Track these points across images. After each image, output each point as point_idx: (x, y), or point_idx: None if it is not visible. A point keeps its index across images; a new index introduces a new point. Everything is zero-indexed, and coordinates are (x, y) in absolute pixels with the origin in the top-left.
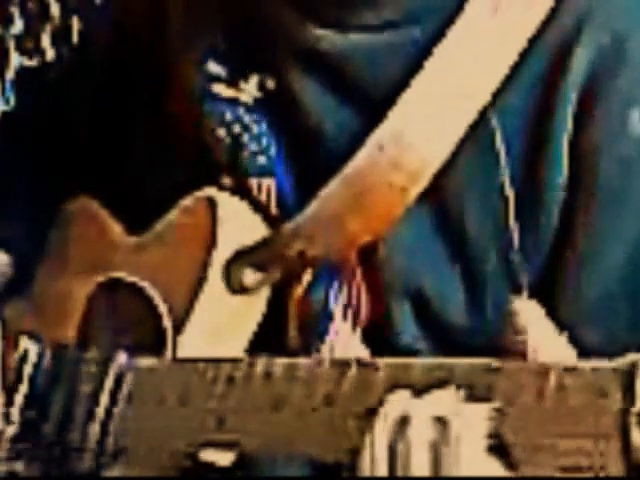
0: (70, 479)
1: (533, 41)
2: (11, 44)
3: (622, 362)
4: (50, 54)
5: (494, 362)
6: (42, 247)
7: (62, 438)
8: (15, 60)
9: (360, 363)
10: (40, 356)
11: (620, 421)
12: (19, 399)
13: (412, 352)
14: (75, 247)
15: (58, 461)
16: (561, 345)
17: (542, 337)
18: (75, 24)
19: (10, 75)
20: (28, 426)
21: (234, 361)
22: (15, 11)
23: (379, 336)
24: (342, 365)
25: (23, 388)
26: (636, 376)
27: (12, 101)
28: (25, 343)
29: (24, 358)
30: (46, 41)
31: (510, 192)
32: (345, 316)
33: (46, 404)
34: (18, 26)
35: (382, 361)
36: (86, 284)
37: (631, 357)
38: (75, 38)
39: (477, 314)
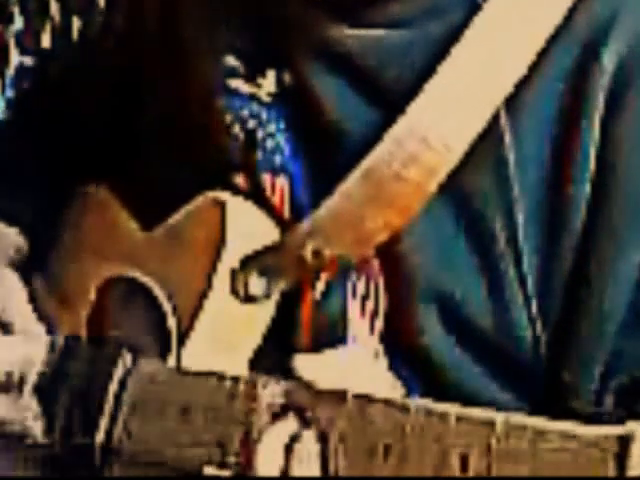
0: (70, 479)
1: (561, 34)
2: (11, 42)
3: (617, 430)
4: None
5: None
6: (58, 231)
7: (67, 434)
8: (15, 58)
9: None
10: (52, 347)
11: None
12: (28, 389)
13: (436, 354)
14: (91, 237)
15: (62, 457)
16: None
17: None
18: (75, 22)
19: (10, 73)
20: (35, 418)
21: (236, 378)
22: (15, 9)
23: (399, 338)
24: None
25: (32, 379)
26: (631, 446)
27: (12, 99)
28: (37, 328)
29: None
30: (46, 39)
31: (518, 190)
32: (362, 318)
33: (54, 396)
34: (18, 24)
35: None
36: (97, 275)
37: (629, 426)
38: (75, 36)
39: (502, 315)
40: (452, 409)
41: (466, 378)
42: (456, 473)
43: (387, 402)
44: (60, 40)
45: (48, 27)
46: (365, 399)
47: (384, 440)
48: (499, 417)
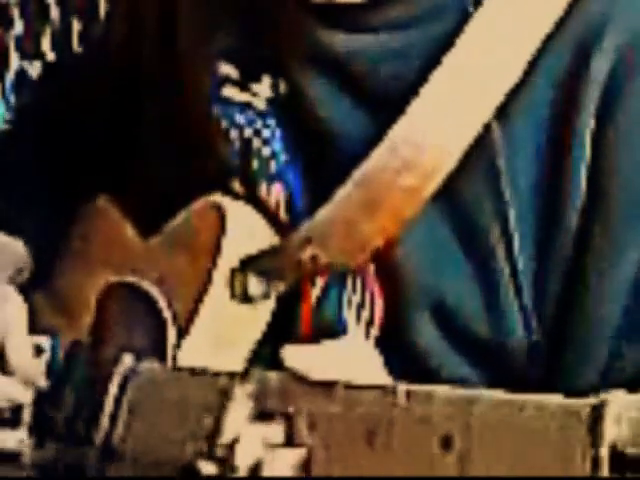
0: (70, 479)
1: (553, 39)
2: (11, 46)
3: (588, 401)
4: (50, 56)
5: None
6: (61, 242)
7: (70, 437)
8: (15, 62)
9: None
10: (54, 353)
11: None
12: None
13: (431, 359)
14: (92, 246)
15: (63, 459)
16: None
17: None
18: (75, 26)
19: (10, 77)
20: (38, 422)
21: (232, 374)
22: (15, 13)
23: (395, 341)
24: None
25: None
26: (603, 417)
27: (12, 102)
28: (39, 339)
29: (38, 354)
30: (46, 43)
31: (512, 195)
32: (358, 322)
33: (57, 401)
34: (18, 28)
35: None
36: (99, 283)
37: (601, 396)
38: (75, 40)
39: (497, 320)
40: (436, 390)
41: (461, 382)
42: (439, 452)
43: (373, 386)
44: (61, 45)
45: (48, 31)
46: (352, 385)
47: (370, 423)
48: (479, 394)
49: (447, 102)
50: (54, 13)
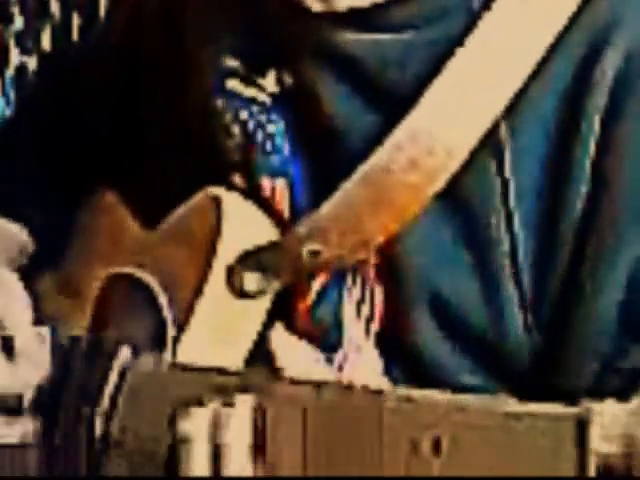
0: (69, 479)
1: (561, 42)
2: (11, 42)
3: (575, 409)
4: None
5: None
6: (65, 229)
7: (70, 428)
8: (15, 58)
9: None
10: (55, 344)
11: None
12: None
13: (430, 356)
14: (97, 236)
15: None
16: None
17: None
18: (75, 22)
19: (10, 73)
20: (40, 413)
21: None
22: (15, 9)
23: (395, 340)
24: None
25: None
26: (589, 425)
27: (12, 98)
28: (42, 329)
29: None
30: (46, 39)
31: (514, 195)
32: (358, 321)
33: (57, 393)
34: (18, 24)
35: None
36: (101, 274)
37: (585, 404)
38: (75, 36)
39: (497, 317)
40: (426, 394)
41: (461, 379)
42: (428, 456)
43: (363, 388)
44: (61, 40)
45: (48, 27)
46: (343, 386)
47: (361, 425)
48: (469, 401)
49: (454, 102)
50: (54, 8)
